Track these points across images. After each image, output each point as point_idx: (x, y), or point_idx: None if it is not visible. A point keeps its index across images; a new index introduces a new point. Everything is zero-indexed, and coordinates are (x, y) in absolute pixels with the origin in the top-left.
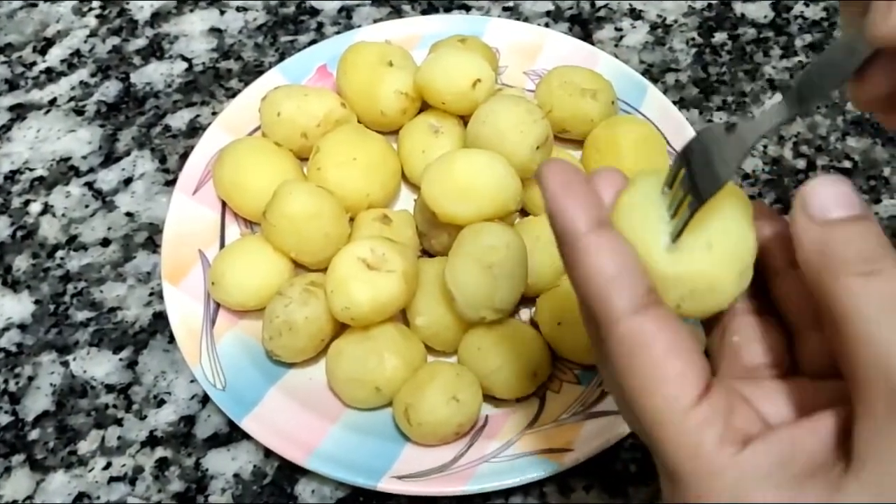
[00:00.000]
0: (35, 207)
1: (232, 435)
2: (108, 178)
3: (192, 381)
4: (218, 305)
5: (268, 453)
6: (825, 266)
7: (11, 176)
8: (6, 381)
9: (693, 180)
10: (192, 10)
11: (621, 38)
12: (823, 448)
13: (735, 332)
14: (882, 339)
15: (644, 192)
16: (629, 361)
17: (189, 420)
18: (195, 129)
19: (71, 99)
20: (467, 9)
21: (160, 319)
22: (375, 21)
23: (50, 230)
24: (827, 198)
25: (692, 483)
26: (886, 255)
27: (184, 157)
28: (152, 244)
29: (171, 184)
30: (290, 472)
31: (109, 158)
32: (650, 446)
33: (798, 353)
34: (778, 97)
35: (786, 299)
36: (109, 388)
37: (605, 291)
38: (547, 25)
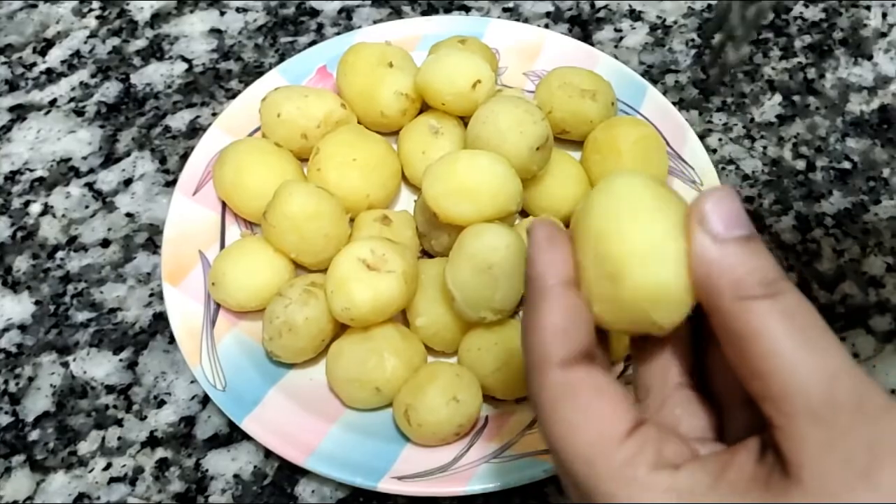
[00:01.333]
0: (35, 208)
1: (232, 435)
2: (108, 179)
3: (192, 382)
4: (218, 306)
5: (268, 454)
6: (727, 288)
7: (11, 176)
8: (6, 382)
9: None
10: (192, 11)
11: (621, 39)
12: (755, 462)
13: (677, 405)
14: (792, 354)
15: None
16: (554, 405)
17: (189, 420)
18: (195, 130)
19: (71, 100)
20: (467, 10)
21: (160, 320)
22: (375, 22)
23: (50, 231)
24: (729, 214)
25: None
26: (781, 276)
27: (184, 157)
28: (152, 245)
29: (171, 184)
30: (291, 472)
31: (109, 159)
32: (578, 488)
33: (725, 427)
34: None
35: (715, 372)
36: (110, 389)
37: (547, 342)
38: (547, 26)
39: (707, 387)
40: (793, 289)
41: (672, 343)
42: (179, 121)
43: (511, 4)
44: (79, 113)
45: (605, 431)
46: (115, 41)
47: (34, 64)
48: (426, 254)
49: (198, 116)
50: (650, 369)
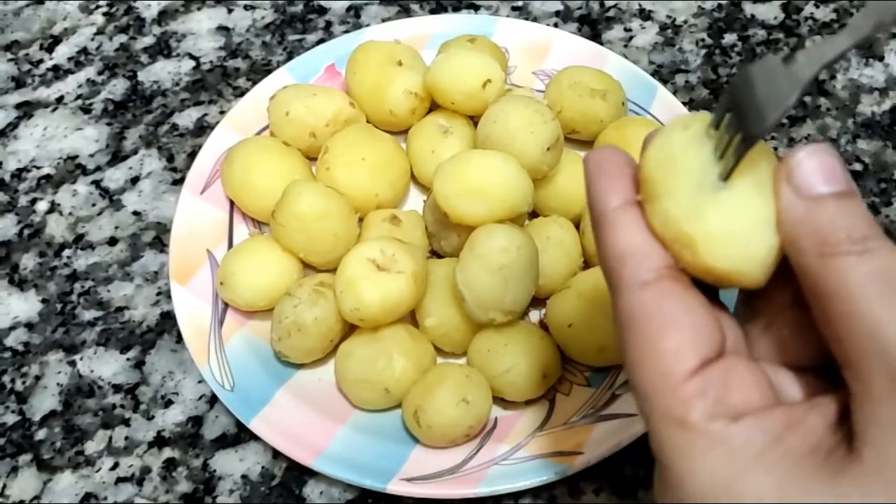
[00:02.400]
0: (42, 206)
1: (240, 436)
2: (115, 177)
3: (199, 382)
4: (226, 305)
5: (276, 454)
6: (812, 245)
7: (18, 174)
8: (13, 381)
9: (741, 120)
10: (199, 9)
11: (631, 38)
12: (827, 427)
13: (785, 325)
14: (877, 316)
15: (687, 132)
16: (626, 331)
17: (197, 420)
18: (203, 128)
19: (78, 97)
20: (476, 8)
21: (168, 319)
22: (384, 20)
23: (57, 229)
24: (813, 171)
25: (678, 462)
26: (875, 234)
27: (191, 155)
28: (160, 243)
29: (178, 183)
30: (299, 473)
31: (117, 157)
32: (645, 425)
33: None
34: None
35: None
36: (117, 388)
37: (618, 264)
38: (556, 25)
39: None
40: (888, 247)
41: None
42: (187, 119)
43: (520, 3)
44: (86, 110)
45: (665, 369)
46: (123, 38)
47: (41, 61)
48: (435, 254)
49: (205, 114)
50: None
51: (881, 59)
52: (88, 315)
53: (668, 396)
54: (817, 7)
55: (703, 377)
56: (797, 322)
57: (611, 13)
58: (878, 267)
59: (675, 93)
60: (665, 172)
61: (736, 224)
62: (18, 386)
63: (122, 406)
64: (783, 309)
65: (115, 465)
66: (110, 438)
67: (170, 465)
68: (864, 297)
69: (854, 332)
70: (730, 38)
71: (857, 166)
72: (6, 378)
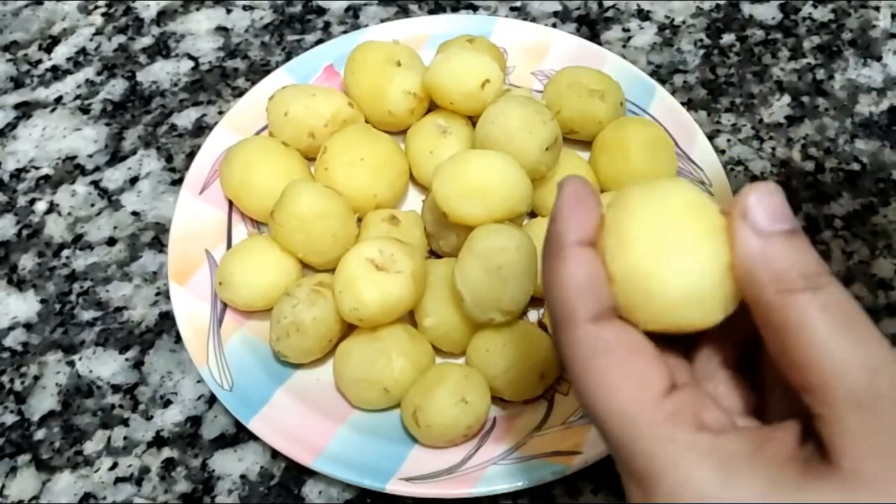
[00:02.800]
0: (41, 206)
1: (239, 436)
2: (114, 177)
3: (198, 382)
4: (225, 306)
5: (275, 454)
6: (769, 281)
7: (17, 174)
8: (12, 381)
9: None
10: (198, 9)
11: (629, 38)
12: (795, 443)
13: (720, 382)
14: (835, 347)
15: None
16: (591, 364)
17: (196, 420)
18: (202, 129)
19: (77, 97)
20: (475, 9)
21: (167, 319)
22: (382, 20)
23: (56, 229)
24: (772, 208)
25: (671, 472)
26: (824, 270)
27: (190, 156)
28: (159, 244)
29: (177, 183)
30: (298, 473)
31: (115, 157)
32: (618, 449)
33: (766, 411)
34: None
35: (758, 357)
36: (115, 388)
37: (571, 299)
38: (554, 26)
39: (750, 369)
40: (835, 283)
41: (715, 329)
42: (186, 119)
43: (519, 3)
44: (84, 111)
45: (644, 388)
46: (121, 39)
47: (40, 61)
48: (434, 254)
49: (204, 115)
50: (696, 348)
51: (879, 59)
52: (87, 315)
53: (653, 412)
54: (815, 7)
55: (678, 398)
56: (729, 381)
57: (609, 13)
58: (831, 302)
59: (673, 93)
60: (635, 229)
61: (692, 288)
62: (17, 386)
63: (121, 406)
64: (718, 370)
65: (114, 465)
66: (109, 438)
67: (169, 464)
68: (822, 330)
69: (814, 361)
70: (728, 38)
71: (855, 166)
72: (5, 378)
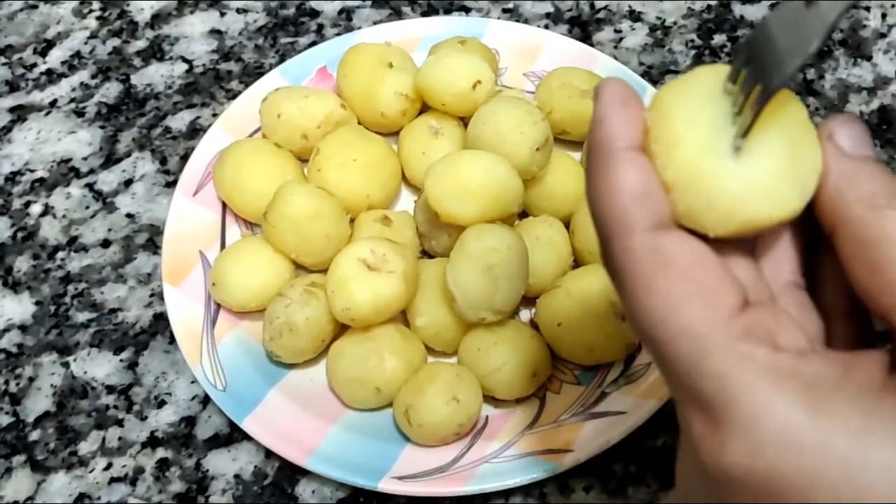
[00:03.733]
0: (36, 209)
1: (232, 435)
2: (108, 180)
3: (192, 382)
4: (219, 306)
5: (268, 454)
6: (862, 198)
7: (12, 177)
8: (7, 382)
9: (760, 72)
10: (192, 12)
11: (621, 39)
12: (884, 371)
13: (791, 304)
14: None
15: (702, 84)
16: (651, 279)
17: (190, 421)
18: (195, 131)
19: (71, 100)
20: (467, 10)
21: (161, 320)
22: (375, 23)
23: (50, 231)
24: (856, 135)
25: (747, 396)
26: None
27: (184, 158)
28: (153, 245)
29: (171, 185)
30: (291, 472)
31: (110, 160)
32: (683, 374)
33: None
34: None
35: (823, 282)
36: (110, 389)
37: (627, 207)
38: (546, 27)
39: (816, 300)
40: None
41: (783, 238)
42: (180, 121)
43: (511, 5)
44: (79, 114)
45: (714, 303)
46: (116, 42)
47: (34, 65)
48: (426, 254)
49: (198, 117)
50: (759, 263)
51: (869, 58)
52: (82, 317)
53: (727, 329)
54: None
55: (752, 315)
56: (799, 301)
57: (601, 15)
58: None
59: None
60: (682, 127)
61: (760, 176)
62: (12, 387)
63: (116, 407)
64: (784, 288)
65: (109, 466)
66: (104, 439)
67: (163, 465)
68: None
69: None
70: (719, 38)
71: None
72: (0, 380)
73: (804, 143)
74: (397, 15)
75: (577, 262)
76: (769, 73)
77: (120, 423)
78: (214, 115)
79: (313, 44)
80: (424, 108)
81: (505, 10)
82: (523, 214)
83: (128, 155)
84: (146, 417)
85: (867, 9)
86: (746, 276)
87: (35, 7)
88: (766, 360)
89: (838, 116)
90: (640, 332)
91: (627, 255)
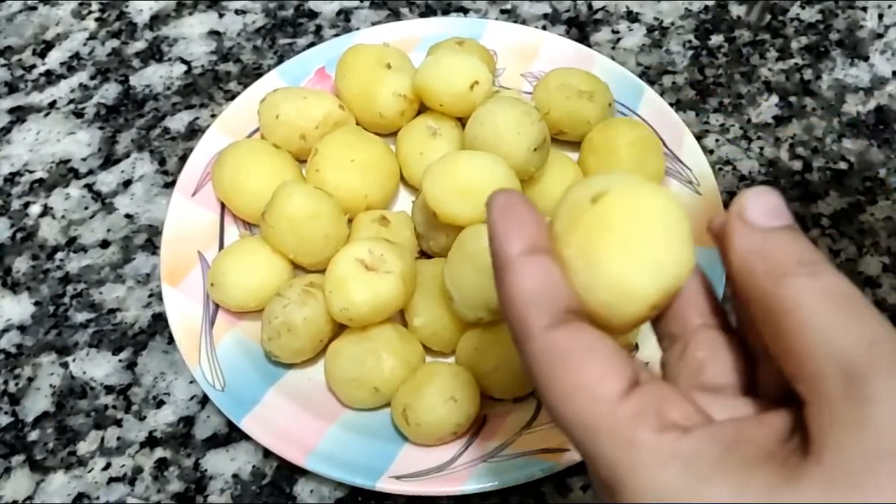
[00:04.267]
0: (35, 209)
1: (231, 435)
2: (107, 180)
3: (191, 382)
4: (217, 306)
5: (267, 453)
6: (766, 269)
7: (11, 178)
8: (6, 382)
9: None
10: (190, 13)
11: (618, 40)
12: (773, 439)
13: (699, 348)
14: (830, 328)
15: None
16: (547, 373)
17: (188, 421)
18: (194, 132)
19: (70, 101)
20: (465, 11)
21: (159, 321)
22: (374, 24)
23: (49, 232)
24: (764, 208)
25: (633, 479)
26: (821, 259)
27: (183, 158)
28: (151, 246)
29: (170, 185)
30: (289, 472)
31: (109, 160)
32: (584, 457)
33: (757, 377)
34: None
35: (743, 326)
36: (109, 389)
37: (524, 311)
38: (544, 28)
39: (742, 340)
40: (833, 270)
41: (689, 285)
42: (178, 122)
43: (509, 6)
44: (78, 114)
45: (600, 392)
46: (115, 43)
47: (33, 66)
48: (424, 254)
49: (197, 118)
50: (668, 315)
51: (866, 59)
52: (81, 317)
53: (610, 419)
54: (803, 8)
55: (637, 397)
56: (711, 341)
57: (598, 15)
58: (828, 286)
59: (662, 94)
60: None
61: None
62: (11, 388)
63: (115, 407)
64: (696, 331)
65: (108, 466)
66: (102, 439)
67: (161, 464)
68: (818, 311)
69: (809, 343)
70: (716, 39)
71: (843, 165)
72: None
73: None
74: (395, 16)
75: None
76: None
77: (119, 423)
78: (213, 116)
79: (312, 45)
80: (422, 109)
81: (503, 11)
82: None
83: (127, 156)
84: (145, 417)
85: (864, 9)
86: (672, 326)
87: (34, 8)
88: (650, 444)
89: (750, 190)
90: (554, 421)
91: (529, 358)
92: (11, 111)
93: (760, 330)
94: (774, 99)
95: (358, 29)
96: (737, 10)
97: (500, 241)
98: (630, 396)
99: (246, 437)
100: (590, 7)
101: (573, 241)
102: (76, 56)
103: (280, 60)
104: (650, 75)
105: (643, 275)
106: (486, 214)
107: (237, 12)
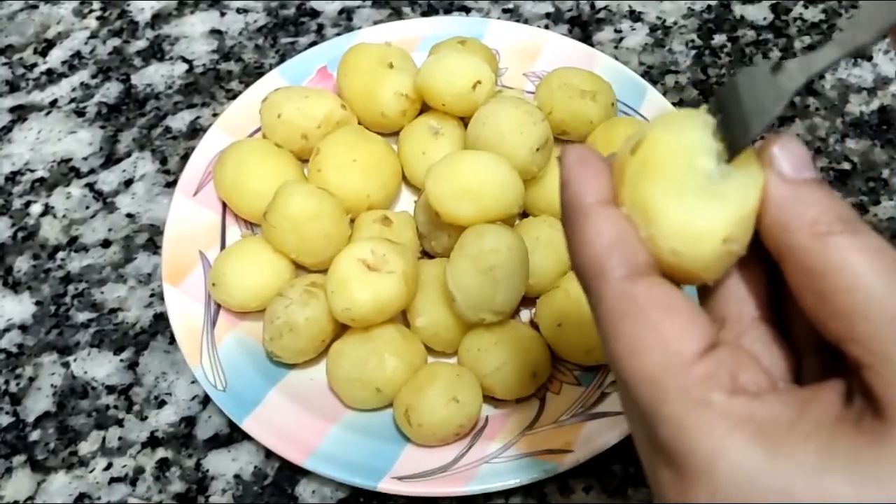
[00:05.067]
0: (36, 208)
1: (232, 436)
2: (108, 180)
3: (192, 382)
4: (219, 306)
5: (268, 454)
6: (804, 225)
7: (12, 177)
8: (7, 382)
9: (727, 127)
10: (192, 12)
11: (621, 39)
12: (840, 404)
13: (756, 340)
14: (878, 287)
15: (677, 135)
16: (619, 324)
17: (190, 421)
18: (196, 131)
19: (72, 100)
20: (467, 10)
21: (161, 320)
22: (376, 23)
23: (51, 231)
24: (797, 157)
25: (702, 441)
26: (856, 215)
27: (184, 158)
28: (153, 245)
29: (171, 185)
30: (291, 472)
31: (110, 160)
32: (643, 417)
33: (801, 375)
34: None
35: (791, 317)
36: (110, 389)
37: (600, 257)
38: (547, 27)
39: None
40: (871, 230)
41: (746, 274)
42: (180, 121)
43: (511, 5)
44: (79, 113)
45: (674, 350)
46: (116, 42)
47: (35, 65)
48: (426, 254)
49: (198, 117)
50: (724, 300)
51: (869, 59)
52: (82, 317)
53: (684, 376)
54: (806, 8)
55: (713, 358)
56: (765, 335)
57: (601, 15)
58: (870, 244)
59: (664, 93)
60: (655, 167)
61: (696, 221)
62: (12, 387)
63: (116, 407)
64: (752, 323)
65: (109, 466)
66: (104, 439)
67: (163, 465)
68: (866, 271)
69: (862, 304)
70: (719, 38)
71: (846, 165)
72: (0, 380)
73: (752, 174)
74: (397, 15)
75: None
76: (734, 132)
77: (120, 423)
78: (215, 115)
79: (313, 44)
80: (424, 109)
81: (505, 11)
82: (523, 215)
83: (128, 155)
84: (146, 417)
85: None
86: (725, 311)
87: (35, 7)
88: (722, 406)
89: (777, 138)
90: (615, 375)
91: (601, 304)
92: (12, 110)
93: (796, 291)
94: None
95: (360, 28)
96: (740, 10)
97: (576, 188)
98: (706, 357)
99: (247, 438)
100: (592, 6)
101: (625, 197)
102: (77, 55)
103: (282, 59)
104: (653, 75)
105: (703, 208)
106: (560, 164)
107: (239, 11)
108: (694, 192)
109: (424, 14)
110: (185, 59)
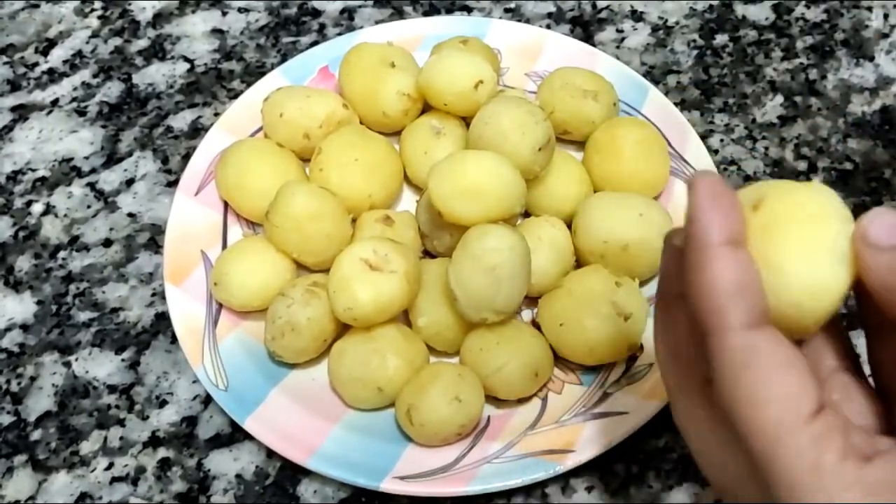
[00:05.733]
0: (37, 208)
1: (234, 435)
2: (110, 179)
3: (194, 382)
4: (220, 306)
5: (270, 454)
6: None
7: (14, 176)
8: (8, 382)
9: None
10: (193, 11)
11: (623, 39)
12: None
13: (834, 390)
14: None
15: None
16: (741, 373)
17: (191, 420)
18: (197, 130)
19: (73, 100)
20: (469, 10)
21: (162, 320)
22: (377, 22)
23: (52, 231)
24: (885, 227)
25: (810, 498)
26: None
27: (186, 157)
28: (154, 245)
29: (173, 184)
30: (293, 472)
31: (111, 159)
32: (760, 468)
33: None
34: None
35: (882, 365)
36: (111, 389)
37: (724, 303)
38: (548, 27)
39: (875, 382)
40: None
41: (823, 328)
42: (181, 121)
43: (513, 5)
44: (81, 113)
45: (791, 409)
46: (117, 41)
47: (36, 64)
48: (428, 254)
49: (200, 116)
50: (805, 354)
51: (871, 59)
52: (83, 316)
53: (799, 436)
54: (808, 8)
55: (823, 420)
56: (845, 384)
57: (603, 14)
58: None
59: (666, 93)
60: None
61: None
62: (14, 387)
63: (117, 406)
64: (830, 374)
65: (110, 465)
66: (105, 438)
67: (164, 464)
68: None
69: None
70: (721, 38)
71: (848, 165)
72: (1, 379)
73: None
74: (399, 14)
75: (579, 263)
76: None
77: (121, 422)
78: (216, 115)
79: (315, 43)
80: (426, 108)
81: (507, 10)
82: (525, 214)
83: (129, 154)
84: (148, 417)
85: (869, 9)
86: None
87: (37, 6)
88: (833, 467)
89: (869, 213)
90: (731, 421)
91: (722, 353)
92: (14, 109)
93: None
94: (779, 99)
95: (361, 28)
96: (741, 10)
97: (704, 226)
98: (818, 418)
99: (249, 437)
100: (594, 6)
101: (748, 245)
102: (79, 54)
103: (283, 59)
104: (655, 75)
105: (833, 265)
106: (689, 197)
107: (240, 10)
108: (824, 250)
109: (426, 14)
110: (186, 59)
